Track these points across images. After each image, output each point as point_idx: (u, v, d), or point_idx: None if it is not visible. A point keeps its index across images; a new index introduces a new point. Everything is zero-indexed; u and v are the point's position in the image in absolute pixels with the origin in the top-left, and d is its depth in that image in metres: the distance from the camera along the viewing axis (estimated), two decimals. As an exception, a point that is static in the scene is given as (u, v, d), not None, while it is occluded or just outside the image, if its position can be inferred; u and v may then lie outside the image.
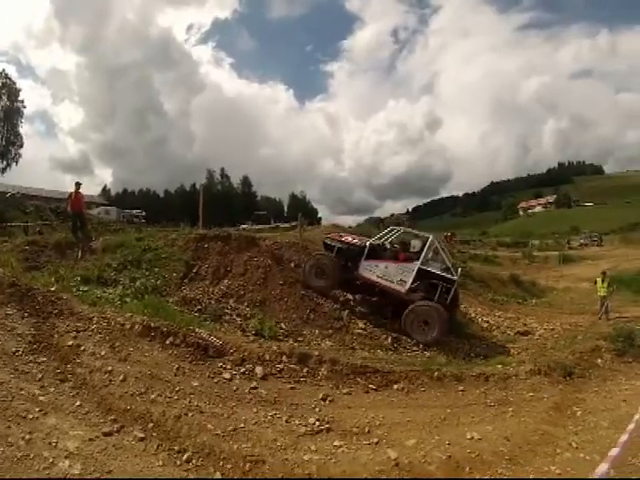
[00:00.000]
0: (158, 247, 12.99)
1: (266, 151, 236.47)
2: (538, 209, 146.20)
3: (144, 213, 49.50)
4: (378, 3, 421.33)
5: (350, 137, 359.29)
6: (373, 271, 12.01)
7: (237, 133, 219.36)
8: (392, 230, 13.39)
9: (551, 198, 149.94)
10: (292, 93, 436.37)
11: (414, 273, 11.64)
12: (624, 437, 5.16)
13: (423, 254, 11.79)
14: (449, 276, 11.82)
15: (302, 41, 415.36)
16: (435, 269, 11.89)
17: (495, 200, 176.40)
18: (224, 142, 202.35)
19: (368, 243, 12.33)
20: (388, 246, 12.90)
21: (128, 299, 9.62)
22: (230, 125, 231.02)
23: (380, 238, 13.09)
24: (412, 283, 11.66)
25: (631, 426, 5.94)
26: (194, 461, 4.85)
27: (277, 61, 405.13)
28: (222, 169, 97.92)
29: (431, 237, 12.28)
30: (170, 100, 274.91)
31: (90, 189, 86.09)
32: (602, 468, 3.57)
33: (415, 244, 12.42)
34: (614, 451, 4.73)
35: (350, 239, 12.83)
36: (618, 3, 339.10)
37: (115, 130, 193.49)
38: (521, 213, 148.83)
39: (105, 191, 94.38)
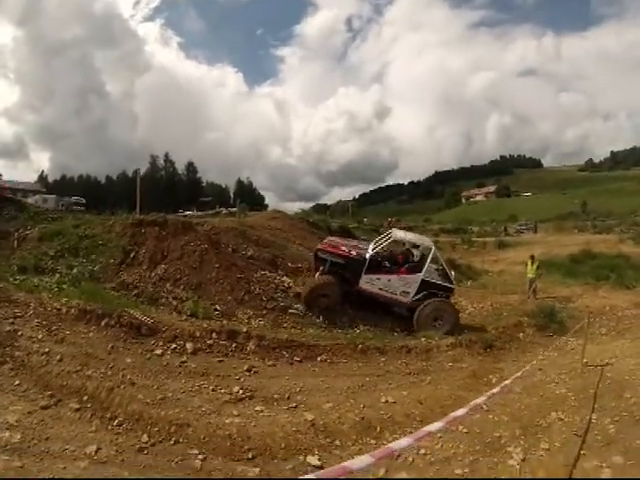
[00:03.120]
0: (96, 234, 12.98)
1: (212, 136, 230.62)
2: (479, 198, 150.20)
3: (84, 201, 47.66)
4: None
5: (299, 124, 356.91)
6: (375, 284, 11.80)
7: (183, 116, 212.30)
8: (387, 235, 13.35)
9: (492, 188, 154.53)
10: (241, 76, 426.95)
11: (417, 285, 11.73)
12: (481, 399, 5.70)
13: (426, 265, 11.88)
14: (449, 285, 12.17)
15: (253, 23, 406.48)
16: (436, 279, 12.14)
17: (439, 189, 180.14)
18: (169, 125, 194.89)
19: (368, 256, 11.98)
20: (386, 257, 12.73)
21: (65, 286, 9.68)
22: (176, 108, 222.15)
23: (376, 245, 12.99)
24: (415, 294, 11.72)
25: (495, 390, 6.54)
26: (124, 426, 5.20)
27: (227, 43, 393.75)
28: (166, 154, 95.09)
29: (433, 247, 12.51)
30: (113, 80, 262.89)
31: (26, 175, 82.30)
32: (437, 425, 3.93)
33: (416, 254, 12.60)
34: (460, 411, 5.23)
35: (346, 250, 12.32)
36: (565, 9, 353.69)
37: (53, 111, 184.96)
38: (463, 201, 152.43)
39: (42, 178, 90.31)
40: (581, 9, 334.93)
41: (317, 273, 12.36)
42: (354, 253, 12.16)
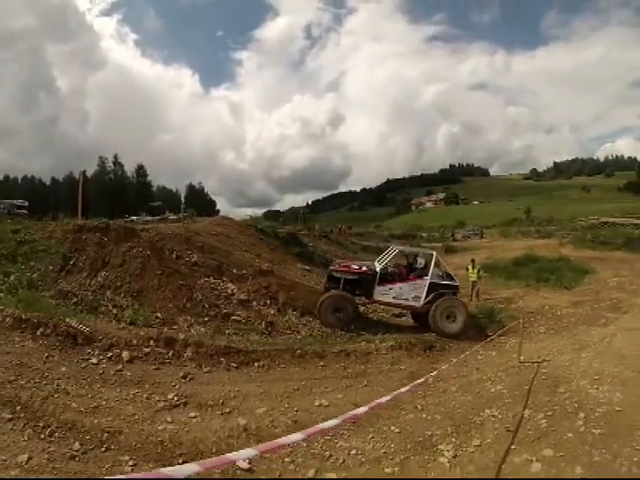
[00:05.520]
0: (35, 240, 12.62)
1: (165, 138, 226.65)
2: (429, 205, 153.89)
3: (27, 204, 44.93)
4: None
5: (253, 128, 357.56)
6: (388, 294, 12.58)
7: (136, 117, 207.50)
8: (391, 249, 13.97)
9: (441, 196, 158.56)
10: (197, 78, 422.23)
11: (426, 288, 12.45)
12: (384, 398, 5.69)
13: (431, 270, 12.67)
14: (453, 283, 12.90)
15: (213, 25, 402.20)
16: (441, 280, 12.84)
17: (390, 196, 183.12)
18: (121, 126, 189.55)
19: (379, 269, 12.77)
20: (393, 269, 13.43)
21: (1, 294, 9.48)
22: (129, 108, 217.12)
23: (382, 260, 13.53)
24: (426, 297, 12.43)
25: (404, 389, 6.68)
26: (57, 434, 5.15)
27: (185, 43, 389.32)
28: (115, 156, 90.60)
29: (435, 253, 13.17)
30: (64, 76, 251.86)
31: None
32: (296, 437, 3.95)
33: (420, 261, 13.15)
34: (361, 409, 5.19)
35: (357, 267, 13.15)
36: (517, 29, 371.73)
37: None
38: (413, 209, 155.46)
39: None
40: (532, 30, 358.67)
41: (327, 293, 12.74)
42: (365, 269, 12.99)
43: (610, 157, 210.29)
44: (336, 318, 12.00)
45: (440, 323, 11.96)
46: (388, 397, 5.49)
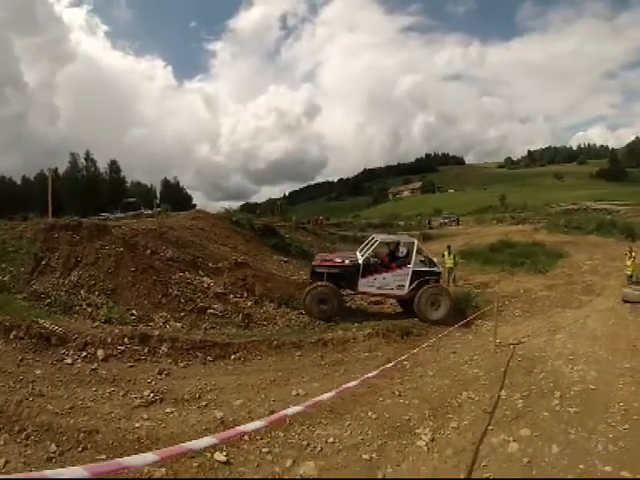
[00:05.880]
0: (5, 240, 12.27)
1: (138, 132, 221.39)
2: (406, 194, 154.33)
3: None
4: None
5: (228, 121, 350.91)
6: (373, 285, 12.70)
7: (107, 111, 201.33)
8: (372, 239, 13.82)
9: (418, 184, 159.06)
10: (170, 70, 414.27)
11: (410, 276, 12.58)
12: (353, 383, 5.70)
13: (413, 257, 12.78)
14: (435, 269, 13.06)
15: (186, 15, 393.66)
16: (423, 267, 12.94)
17: (368, 186, 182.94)
18: (93, 121, 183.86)
19: (361, 261, 12.72)
20: (375, 259, 13.39)
21: (-27, 299, 9.20)
22: (100, 102, 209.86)
23: (364, 251, 13.40)
24: (410, 285, 12.57)
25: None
26: (33, 437, 5.12)
27: (157, 34, 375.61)
28: (87, 152, 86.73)
29: (415, 241, 13.26)
30: (32, 70, 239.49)
31: None
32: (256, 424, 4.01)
33: (402, 250, 13.15)
34: (326, 395, 5.18)
35: (339, 260, 13.10)
36: (492, 20, 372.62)
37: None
38: (390, 198, 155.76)
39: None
40: (507, 21, 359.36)
41: (312, 285, 12.72)
42: (348, 262, 12.96)
43: (583, 145, 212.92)
44: (321, 310, 12.02)
45: (425, 310, 12.09)
46: (356, 382, 5.53)
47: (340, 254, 14.27)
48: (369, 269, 12.71)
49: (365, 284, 12.65)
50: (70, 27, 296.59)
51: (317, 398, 5.19)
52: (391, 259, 13.30)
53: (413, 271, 12.58)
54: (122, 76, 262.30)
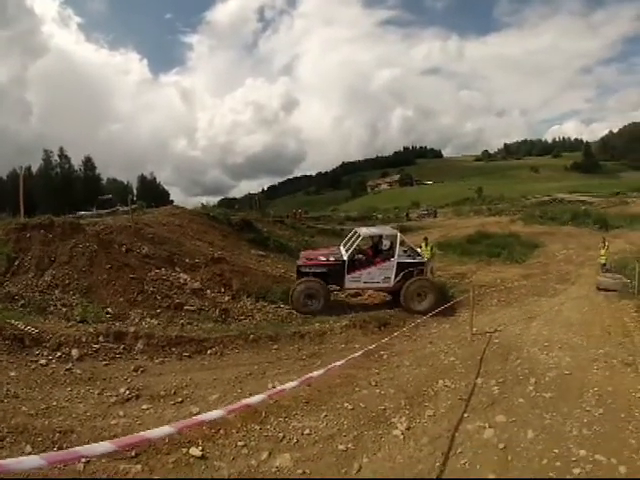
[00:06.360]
0: (-24, 242, 12.14)
1: (113, 127, 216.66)
2: (384, 187, 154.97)
3: None
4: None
5: (205, 115, 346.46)
6: (359, 280, 12.77)
7: (81, 106, 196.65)
8: (355, 234, 13.74)
9: (396, 177, 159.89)
10: (146, 63, 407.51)
11: (395, 269, 12.68)
12: (317, 372, 5.57)
13: (397, 250, 12.82)
14: (420, 260, 13.17)
15: (162, 7, 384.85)
16: (408, 259, 13.05)
17: (346, 180, 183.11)
18: (65, 116, 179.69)
19: (346, 258, 12.71)
20: (360, 254, 13.44)
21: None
22: (73, 96, 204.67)
23: (348, 246, 13.36)
24: (396, 277, 12.67)
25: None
26: (8, 439, 5.04)
27: (132, 26, 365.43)
28: (61, 149, 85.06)
29: (398, 233, 13.28)
30: (3, 64, 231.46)
31: None
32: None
33: (386, 242, 13.21)
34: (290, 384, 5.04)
35: (324, 258, 13.07)
36: (470, 15, 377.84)
37: None
38: (369, 191, 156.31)
39: None
40: (485, 16, 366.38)
41: (299, 280, 12.70)
42: (332, 259, 12.98)
43: (557, 139, 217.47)
44: (308, 305, 12.03)
45: (411, 302, 12.25)
46: (321, 371, 5.55)
47: (324, 251, 14.21)
48: (354, 264, 12.78)
49: (351, 280, 12.72)
50: (42, 19, 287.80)
51: (279, 387, 5.31)
52: (375, 252, 13.40)
53: (398, 263, 12.69)
54: (96, 70, 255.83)
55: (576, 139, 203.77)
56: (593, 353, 8.64)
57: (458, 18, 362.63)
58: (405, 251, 13.57)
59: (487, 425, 5.89)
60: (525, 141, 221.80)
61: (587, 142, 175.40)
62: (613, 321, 10.97)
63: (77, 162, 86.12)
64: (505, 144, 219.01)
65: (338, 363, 5.94)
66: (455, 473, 4.96)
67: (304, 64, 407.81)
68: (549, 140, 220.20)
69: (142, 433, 3.17)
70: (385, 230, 14.65)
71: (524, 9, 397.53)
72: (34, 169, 76.03)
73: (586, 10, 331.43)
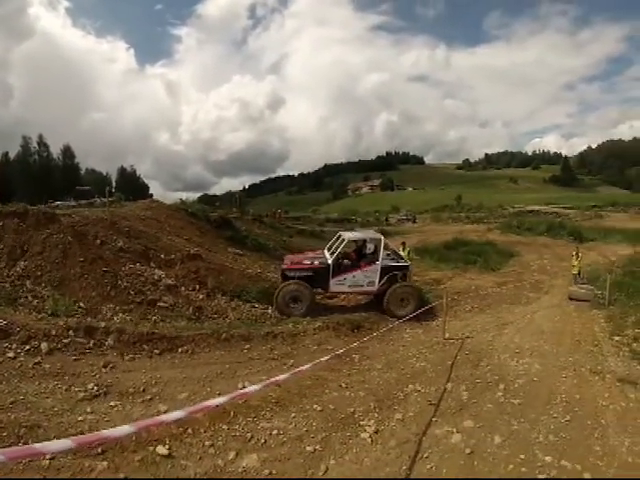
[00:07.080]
0: (-53, 231, 11.86)
1: (95, 116, 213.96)
2: (365, 190, 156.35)
3: None
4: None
5: (189, 109, 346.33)
6: (344, 284, 12.78)
7: (64, 92, 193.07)
8: (339, 238, 13.71)
9: (377, 182, 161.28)
10: (132, 53, 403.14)
11: (379, 273, 12.74)
12: (283, 376, 5.65)
13: (381, 254, 12.88)
14: (404, 264, 13.29)
15: None
16: (392, 263, 13.17)
17: (328, 181, 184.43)
18: (47, 102, 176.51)
19: (331, 262, 12.70)
20: (344, 258, 13.29)
21: None
22: (56, 82, 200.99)
23: (332, 250, 13.34)
24: (380, 281, 12.73)
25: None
26: (-29, 433, 4.97)
27: (120, 14, 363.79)
28: (40, 136, 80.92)
29: (382, 237, 13.32)
30: None
31: None
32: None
33: (370, 246, 13.29)
34: (252, 387, 5.23)
35: (309, 262, 13.03)
36: (459, 26, 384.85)
37: None
38: (350, 193, 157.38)
39: None
40: (475, 28, 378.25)
41: (284, 282, 12.67)
42: (317, 263, 12.97)
43: (538, 152, 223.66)
44: (291, 308, 12.03)
45: (393, 306, 12.35)
46: (286, 375, 5.63)
47: (309, 255, 14.18)
48: (339, 268, 12.83)
49: (336, 284, 12.75)
50: (29, 1, 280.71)
51: (241, 391, 5.45)
52: (359, 256, 13.48)
53: (382, 267, 12.78)
54: (82, 56, 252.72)
55: (555, 153, 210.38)
56: (563, 361, 8.86)
57: (448, 28, 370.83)
58: (389, 255, 13.73)
59: (455, 430, 5.97)
60: (506, 152, 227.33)
61: (566, 156, 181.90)
62: (583, 330, 11.23)
63: (56, 150, 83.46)
64: (486, 154, 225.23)
65: (307, 366, 5.97)
66: (421, 477, 5.03)
67: (292, 63, 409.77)
68: (529, 152, 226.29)
69: (102, 432, 3.15)
70: (369, 234, 14.66)
71: (513, 23, 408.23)
72: (12, 155, 74.12)
73: (573, 28, 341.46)
